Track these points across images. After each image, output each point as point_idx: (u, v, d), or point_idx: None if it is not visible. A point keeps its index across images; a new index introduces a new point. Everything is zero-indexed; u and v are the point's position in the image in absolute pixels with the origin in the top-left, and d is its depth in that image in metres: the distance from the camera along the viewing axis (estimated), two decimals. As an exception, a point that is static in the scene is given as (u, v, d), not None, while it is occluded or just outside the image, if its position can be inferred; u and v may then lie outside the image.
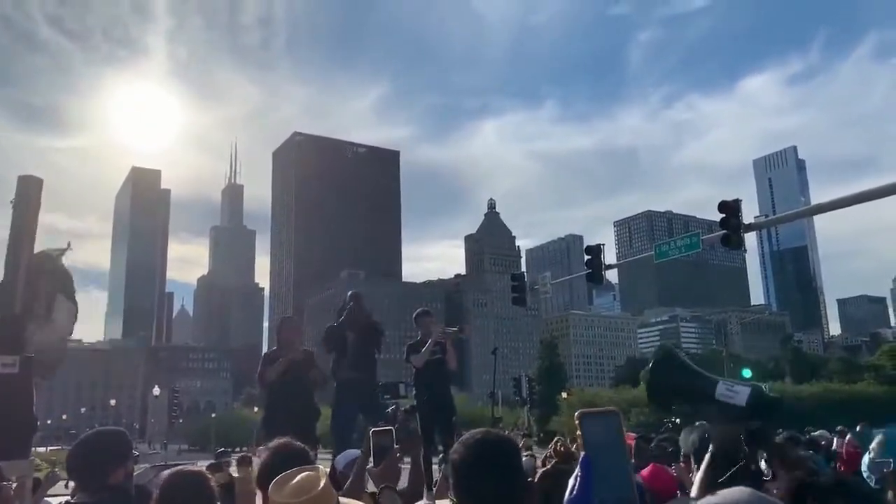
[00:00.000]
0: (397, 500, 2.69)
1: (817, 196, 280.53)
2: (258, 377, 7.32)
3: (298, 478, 2.24)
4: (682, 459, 4.74)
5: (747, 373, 52.06)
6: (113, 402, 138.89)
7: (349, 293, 8.53)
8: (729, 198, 16.71)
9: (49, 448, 60.68)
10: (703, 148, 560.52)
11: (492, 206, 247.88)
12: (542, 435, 55.85)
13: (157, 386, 71.78)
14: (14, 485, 4.09)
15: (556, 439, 4.77)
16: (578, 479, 1.85)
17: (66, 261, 4.97)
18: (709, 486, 2.28)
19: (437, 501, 3.44)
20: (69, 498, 3.32)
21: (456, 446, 2.14)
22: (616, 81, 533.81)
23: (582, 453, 1.88)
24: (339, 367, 8.03)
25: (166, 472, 3.14)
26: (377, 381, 8.07)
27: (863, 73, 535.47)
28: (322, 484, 2.21)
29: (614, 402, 66.99)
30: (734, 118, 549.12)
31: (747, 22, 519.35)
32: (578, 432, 1.89)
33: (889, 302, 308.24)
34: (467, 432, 2.19)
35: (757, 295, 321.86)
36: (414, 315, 8.34)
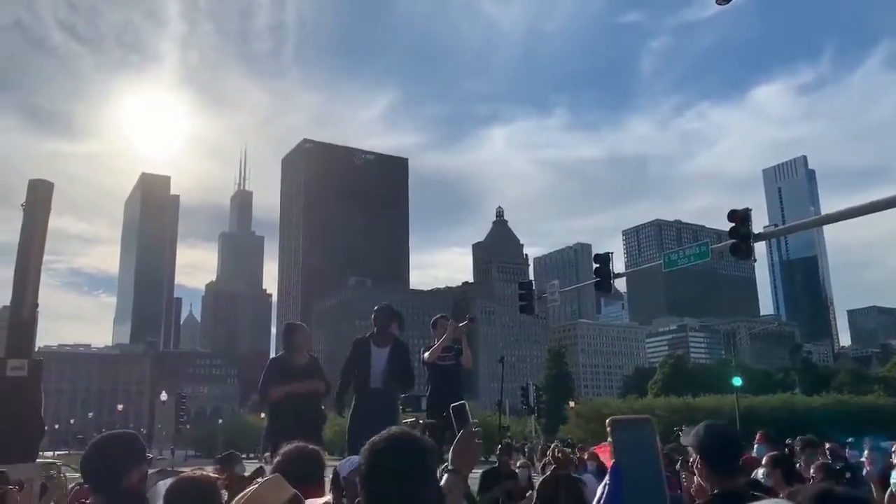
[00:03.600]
0: (459, 485, 2.51)
1: (827, 206, 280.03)
2: (261, 389, 7.26)
3: (247, 491, 2.32)
4: (690, 465, 4.69)
5: (737, 381, 51.50)
6: (120, 406, 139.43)
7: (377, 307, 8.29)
8: (738, 207, 16.68)
9: (56, 452, 60.92)
10: (712, 157, 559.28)
11: (500, 213, 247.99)
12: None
13: (164, 391, 71.70)
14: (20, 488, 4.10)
15: (553, 445, 4.74)
16: (607, 487, 1.81)
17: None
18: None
19: None
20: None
21: (364, 450, 2.05)
22: (626, 90, 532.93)
23: (612, 461, 1.85)
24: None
25: (170, 479, 3.12)
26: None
27: (874, 83, 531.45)
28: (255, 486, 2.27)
29: (622, 411, 66.80)
30: (744, 127, 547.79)
31: (757, 31, 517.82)
32: (609, 440, 1.86)
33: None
34: (382, 433, 2.08)
35: (766, 305, 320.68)
36: (432, 321, 8.37)
